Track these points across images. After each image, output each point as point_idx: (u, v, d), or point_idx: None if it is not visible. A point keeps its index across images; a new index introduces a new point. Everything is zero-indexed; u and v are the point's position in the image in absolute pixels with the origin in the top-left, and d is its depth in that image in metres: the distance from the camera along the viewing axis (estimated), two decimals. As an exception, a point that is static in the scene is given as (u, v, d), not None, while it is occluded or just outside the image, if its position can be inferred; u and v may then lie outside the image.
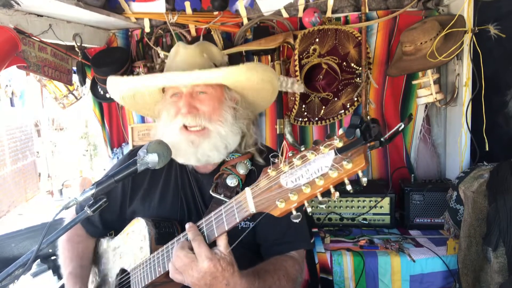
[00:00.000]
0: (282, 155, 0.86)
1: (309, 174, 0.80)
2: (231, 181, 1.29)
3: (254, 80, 1.32)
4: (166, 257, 1.16)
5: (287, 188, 0.84)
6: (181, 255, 1.03)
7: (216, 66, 1.35)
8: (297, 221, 0.85)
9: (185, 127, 1.29)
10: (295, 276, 1.25)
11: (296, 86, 1.40)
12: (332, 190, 0.78)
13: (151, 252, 1.24)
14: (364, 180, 0.78)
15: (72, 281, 1.40)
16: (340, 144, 0.76)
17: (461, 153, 2.25)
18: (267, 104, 1.54)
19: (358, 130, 0.74)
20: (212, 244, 1.04)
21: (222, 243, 1.03)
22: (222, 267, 0.99)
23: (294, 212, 0.85)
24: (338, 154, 0.76)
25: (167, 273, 1.14)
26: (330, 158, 0.77)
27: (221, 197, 1.29)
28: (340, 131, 0.79)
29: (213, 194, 1.30)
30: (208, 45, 1.41)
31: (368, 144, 0.75)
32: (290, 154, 0.85)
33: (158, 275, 1.18)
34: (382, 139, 0.75)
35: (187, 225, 1.08)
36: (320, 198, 0.81)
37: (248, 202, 0.93)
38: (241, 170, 1.32)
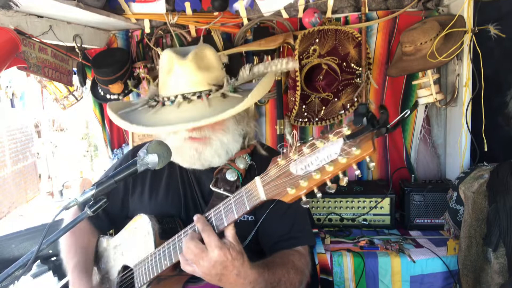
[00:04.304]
0: (291, 144, 0.88)
1: (318, 161, 0.82)
2: (231, 176, 1.32)
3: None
4: (173, 250, 1.16)
5: (297, 175, 0.85)
6: (191, 246, 1.03)
7: (215, 86, 1.31)
8: (306, 206, 0.88)
9: (190, 137, 1.33)
10: (303, 269, 1.28)
11: (290, 64, 1.41)
12: (341, 175, 0.81)
13: (156, 247, 1.24)
14: (372, 164, 0.80)
15: (78, 274, 1.40)
16: (348, 132, 0.79)
17: (461, 153, 2.25)
18: None
19: (365, 119, 0.77)
20: (220, 235, 1.04)
21: (230, 233, 1.04)
22: (232, 256, 1.01)
23: (304, 198, 0.87)
24: (347, 141, 0.78)
25: (174, 266, 1.14)
26: (339, 145, 0.79)
27: (221, 191, 1.31)
28: (347, 120, 0.81)
29: (213, 189, 1.32)
30: (202, 53, 1.33)
31: (375, 131, 0.78)
32: (298, 144, 0.87)
33: (164, 268, 1.19)
34: (388, 126, 0.79)
35: (195, 217, 1.09)
36: (329, 183, 0.83)
37: (258, 190, 0.94)
38: (241, 165, 1.35)
